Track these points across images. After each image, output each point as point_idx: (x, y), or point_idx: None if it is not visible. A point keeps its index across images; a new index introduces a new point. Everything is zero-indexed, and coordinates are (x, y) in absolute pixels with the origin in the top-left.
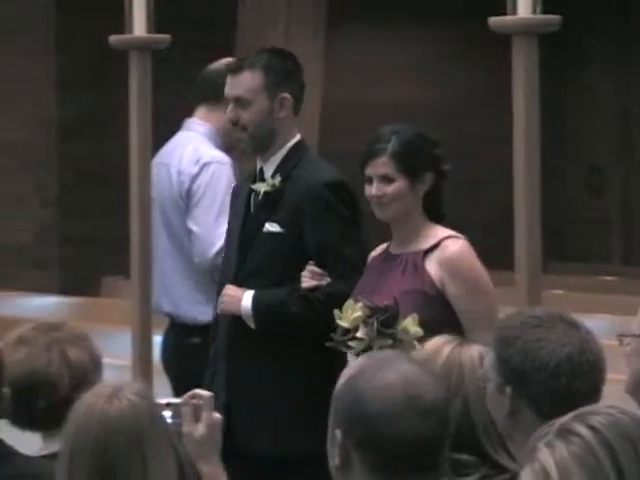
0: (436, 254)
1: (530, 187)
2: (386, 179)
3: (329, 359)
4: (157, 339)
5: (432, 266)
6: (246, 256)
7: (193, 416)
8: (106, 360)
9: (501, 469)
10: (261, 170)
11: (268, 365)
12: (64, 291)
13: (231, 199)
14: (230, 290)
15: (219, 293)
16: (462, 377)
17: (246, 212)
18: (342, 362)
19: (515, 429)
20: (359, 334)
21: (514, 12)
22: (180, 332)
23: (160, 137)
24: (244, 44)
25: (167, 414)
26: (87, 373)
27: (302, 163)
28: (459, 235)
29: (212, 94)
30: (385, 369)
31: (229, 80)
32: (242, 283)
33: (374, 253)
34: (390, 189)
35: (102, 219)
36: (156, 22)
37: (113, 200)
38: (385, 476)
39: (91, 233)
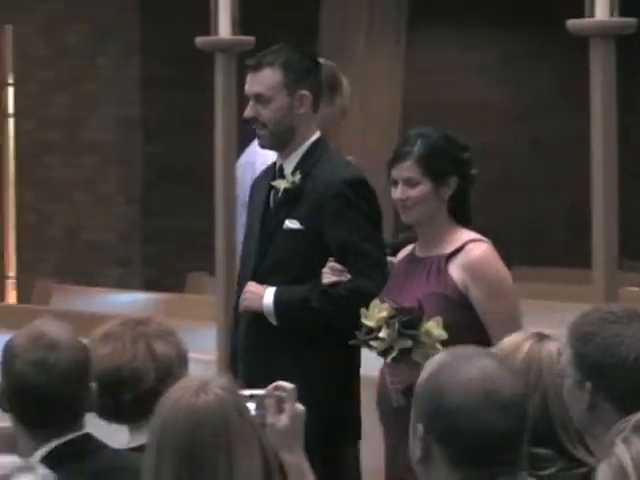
0: (459, 258)
1: (607, 186)
2: (411, 182)
3: (350, 356)
4: None
5: (455, 270)
6: (266, 252)
7: (276, 407)
8: (191, 355)
9: (578, 463)
10: (281, 167)
11: (288, 362)
12: (149, 287)
13: (250, 195)
14: (252, 287)
15: (240, 289)
16: (541, 372)
17: (265, 209)
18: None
19: (594, 424)
20: (381, 334)
21: (592, 15)
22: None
23: (244, 137)
24: (326, 46)
25: (251, 406)
26: (173, 367)
27: (322, 160)
28: (483, 238)
29: None
30: (465, 365)
31: (249, 78)
32: (262, 279)
33: (401, 255)
34: (414, 193)
35: (186, 217)
36: (241, 24)
37: (197, 198)
38: (465, 470)
39: (175, 230)
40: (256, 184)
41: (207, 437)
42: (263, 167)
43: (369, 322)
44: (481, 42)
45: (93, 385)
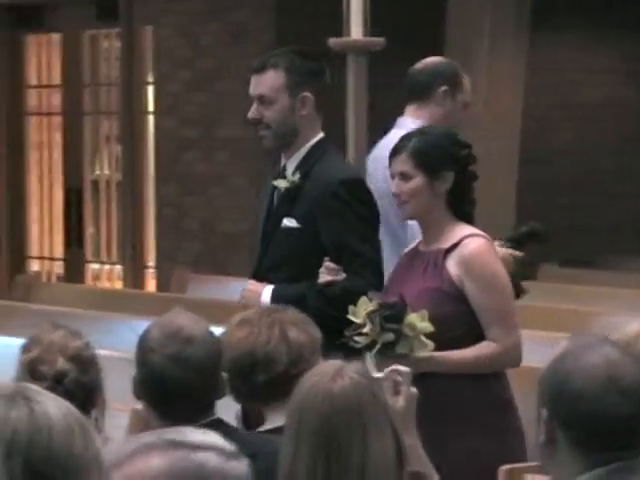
0: (456, 252)
1: None
2: (405, 176)
3: (350, 355)
4: None
5: (452, 264)
6: (267, 251)
7: (393, 390)
8: None
9: None
10: (284, 167)
11: None
12: None
13: (262, 194)
14: (250, 285)
15: None
16: None
17: (269, 207)
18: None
19: None
20: (365, 329)
21: None
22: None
23: (374, 134)
24: (451, 46)
25: None
26: (305, 352)
27: (322, 160)
28: (481, 233)
29: (420, 92)
30: (588, 352)
31: (253, 79)
32: (263, 277)
33: (406, 249)
34: (407, 186)
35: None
36: (372, 25)
37: None
38: (588, 453)
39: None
40: (267, 183)
41: (343, 421)
42: None
43: (355, 318)
44: (602, 42)
45: (224, 375)
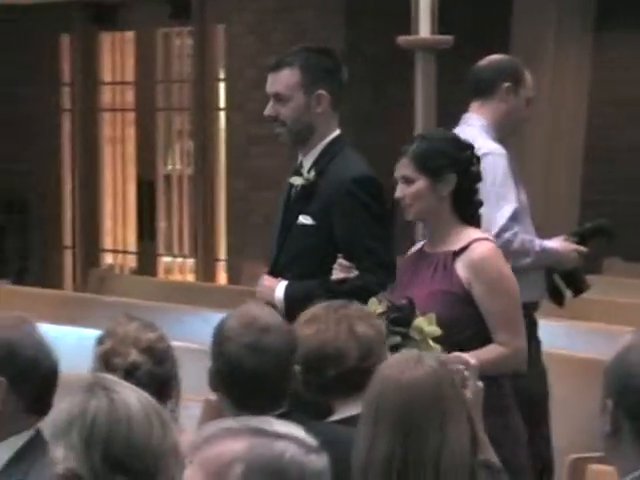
0: (465, 255)
1: None
2: (407, 180)
3: None
4: None
5: (460, 267)
6: (282, 247)
7: (460, 383)
8: None
9: None
10: (301, 164)
11: None
12: None
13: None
14: (265, 280)
15: None
16: None
17: (286, 204)
18: None
19: None
20: None
21: None
22: None
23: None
24: (517, 44)
25: None
26: (374, 346)
27: (337, 158)
28: (489, 237)
29: (483, 89)
30: None
31: (269, 77)
32: (279, 273)
33: (411, 250)
34: (410, 190)
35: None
36: (439, 24)
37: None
38: None
39: None
40: (285, 181)
41: (422, 409)
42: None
43: None
44: None
45: (297, 368)
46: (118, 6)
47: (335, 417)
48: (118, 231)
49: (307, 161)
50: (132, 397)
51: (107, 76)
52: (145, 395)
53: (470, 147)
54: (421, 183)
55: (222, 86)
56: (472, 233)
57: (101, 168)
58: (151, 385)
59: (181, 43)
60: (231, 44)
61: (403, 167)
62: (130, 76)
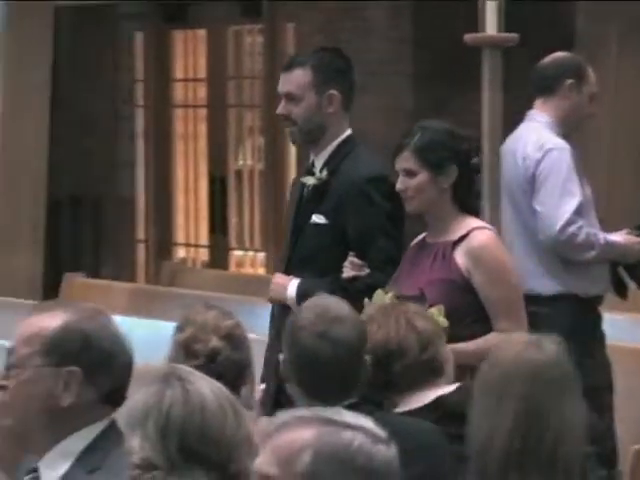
0: (464, 244)
1: None
2: (409, 173)
3: None
4: None
5: (460, 256)
6: (295, 246)
7: None
8: None
9: None
10: (312, 163)
11: None
12: None
13: (290, 191)
14: (278, 278)
15: None
16: None
17: (298, 204)
18: None
19: None
20: None
21: None
22: (529, 303)
23: (507, 126)
24: (580, 43)
25: None
26: (434, 339)
27: (349, 157)
28: (487, 226)
29: (547, 86)
30: None
31: (282, 77)
32: (291, 272)
33: (414, 242)
34: (412, 183)
35: None
36: (506, 21)
37: None
38: None
39: None
40: (296, 180)
41: (545, 388)
42: (522, 155)
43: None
44: None
45: (367, 358)
46: (190, 5)
47: (401, 409)
48: (190, 225)
49: (319, 161)
50: (206, 387)
51: (179, 73)
52: (218, 385)
53: (470, 139)
54: (423, 176)
55: None
56: (472, 222)
57: (174, 163)
58: (229, 371)
59: (252, 41)
60: (300, 42)
61: (404, 160)
62: (202, 73)
